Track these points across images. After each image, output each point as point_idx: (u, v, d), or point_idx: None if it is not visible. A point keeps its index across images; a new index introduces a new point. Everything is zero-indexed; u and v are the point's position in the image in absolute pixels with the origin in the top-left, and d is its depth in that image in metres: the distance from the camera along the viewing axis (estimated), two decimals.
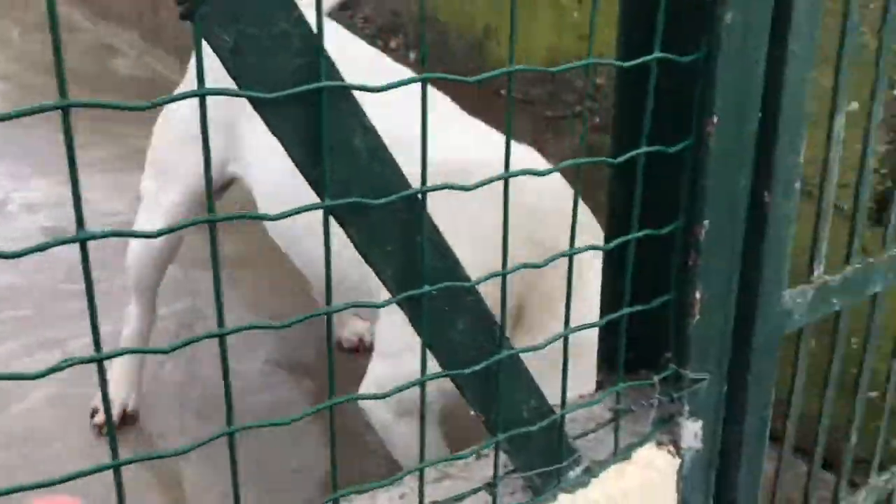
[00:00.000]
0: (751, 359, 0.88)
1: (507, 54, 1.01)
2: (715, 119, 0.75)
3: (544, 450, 0.77)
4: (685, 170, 0.78)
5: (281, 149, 0.54)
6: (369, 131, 0.57)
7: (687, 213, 0.79)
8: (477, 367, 0.66)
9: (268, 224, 1.65)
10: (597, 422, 0.85)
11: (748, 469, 0.94)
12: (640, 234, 0.77)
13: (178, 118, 1.73)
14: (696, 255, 0.80)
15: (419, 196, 0.59)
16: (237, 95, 0.51)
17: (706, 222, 0.79)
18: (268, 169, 1.59)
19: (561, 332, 0.74)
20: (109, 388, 0.49)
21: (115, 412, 1.90)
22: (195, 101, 0.47)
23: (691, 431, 0.87)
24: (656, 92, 0.78)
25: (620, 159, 0.72)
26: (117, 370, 1.93)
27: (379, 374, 1.46)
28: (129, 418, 1.94)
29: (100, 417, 1.92)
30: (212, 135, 0.47)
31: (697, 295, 0.81)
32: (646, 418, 0.86)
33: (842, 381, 1.13)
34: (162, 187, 1.78)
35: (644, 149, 0.73)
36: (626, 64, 0.71)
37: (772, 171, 0.82)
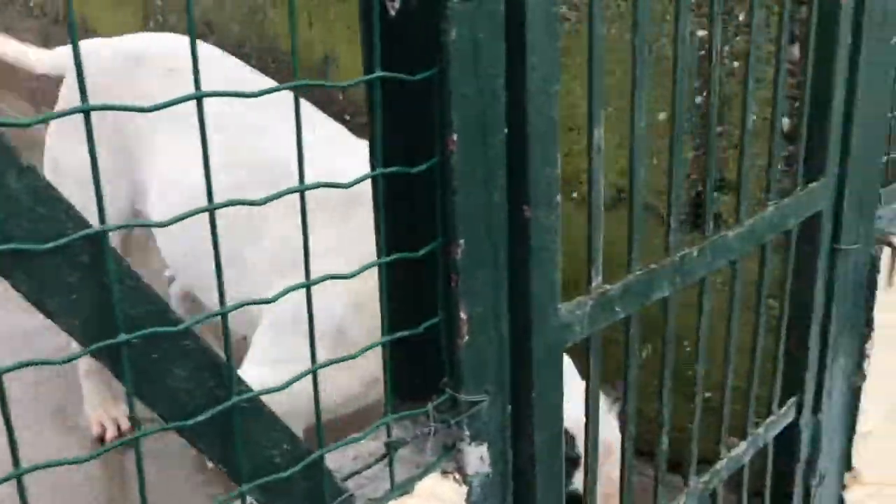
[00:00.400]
0: (532, 375, 0.87)
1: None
2: (455, 136, 0.74)
3: (308, 494, 0.73)
4: (435, 189, 0.76)
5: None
6: (27, 171, 0.52)
7: (443, 232, 0.77)
8: (201, 417, 0.62)
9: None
10: (376, 457, 0.81)
11: (547, 486, 0.92)
12: (390, 258, 0.74)
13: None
14: (456, 275, 0.78)
15: (103, 237, 0.54)
16: None
17: (461, 241, 0.77)
18: (168, 203, 1.58)
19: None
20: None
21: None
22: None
23: (476, 456, 0.84)
24: (402, 112, 0.76)
25: (351, 181, 0.69)
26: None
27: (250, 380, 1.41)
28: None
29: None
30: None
31: (463, 315, 0.79)
32: (427, 448, 0.84)
33: (663, 385, 1.14)
34: None
35: (379, 170, 0.71)
36: (347, 84, 0.68)
37: (527, 184, 0.81)
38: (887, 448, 1.63)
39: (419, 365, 0.84)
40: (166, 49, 1.70)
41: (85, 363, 1.93)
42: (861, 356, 1.53)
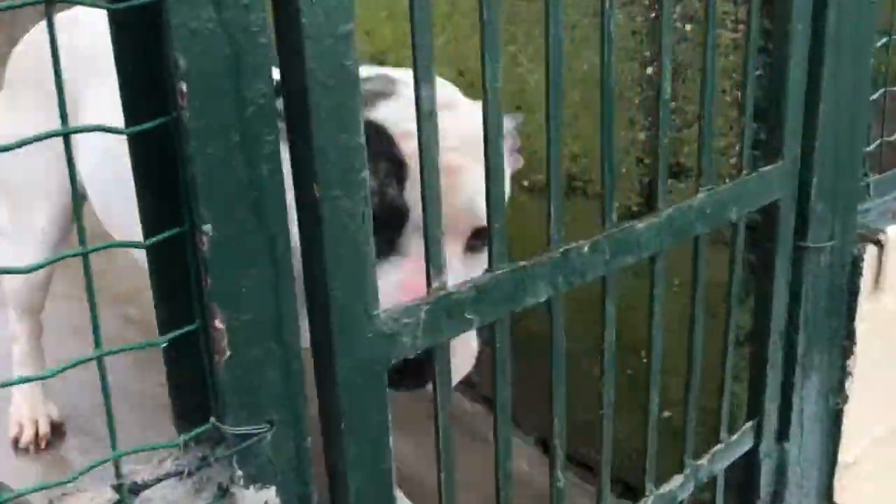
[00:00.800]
0: (339, 401, 0.68)
1: None
2: (184, 86, 0.55)
3: None
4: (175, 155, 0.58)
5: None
6: None
7: (189, 216, 0.59)
8: None
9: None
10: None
11: None
12: (101, 246, 0.56)
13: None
14: (205, 272, 0.60)
15: None
16: None
17: (207, 227, 0.58)
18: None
19: None
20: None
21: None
22: None
23: (257, 502, 0.66)
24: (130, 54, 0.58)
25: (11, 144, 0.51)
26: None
27: None
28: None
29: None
30: None
31: (219, 324, 0.61)
32: (204, 491, 0.66)
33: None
34: (22, 217, 1.69)
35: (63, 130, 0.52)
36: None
37: (313, 155, 0.62)
38: (876, 481, 1.40)
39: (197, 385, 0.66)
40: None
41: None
42: (842, 373, 1.31)
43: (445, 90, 0.99)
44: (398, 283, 0.90)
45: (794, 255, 1.14)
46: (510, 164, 1.12)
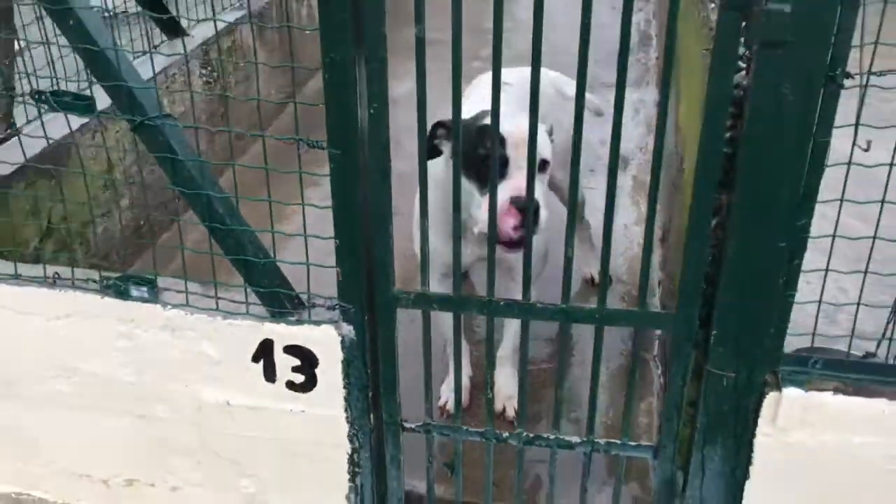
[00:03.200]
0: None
1: None
2: None
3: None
4: None
5: None
6: None
7: None
8: None
9: None
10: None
11: None
12: None
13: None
14: None
15: None
16: None
17: None
18: None
19: None
20: None
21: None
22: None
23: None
24: None
25: None
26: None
27: None
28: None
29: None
30: None
31: None
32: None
33: None
34: None
35: None
36: None
37: None
38: None
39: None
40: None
41: None
42: None
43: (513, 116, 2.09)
44: (512, 188, 2.08)
45: (695, 374, 1.86)
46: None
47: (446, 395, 2.71)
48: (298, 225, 1.89)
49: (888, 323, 1.82)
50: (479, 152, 2.12)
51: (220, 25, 4.09)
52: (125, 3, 3.71)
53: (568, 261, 1.80)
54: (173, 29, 3.73)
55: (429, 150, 1.98)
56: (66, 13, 1.77)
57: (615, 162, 1.71)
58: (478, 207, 2.16)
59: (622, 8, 1.56)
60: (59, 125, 2.27)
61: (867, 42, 1.55)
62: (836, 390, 1.81)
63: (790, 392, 1.80)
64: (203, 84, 3.97)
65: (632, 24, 1.60)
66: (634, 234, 3.58)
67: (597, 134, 4.05)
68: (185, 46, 3.43)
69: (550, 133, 2.39)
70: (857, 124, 1.60)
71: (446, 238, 1.91)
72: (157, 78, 3.35)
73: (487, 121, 1.96)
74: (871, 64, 1.55)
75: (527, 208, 1.86)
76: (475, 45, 1.73)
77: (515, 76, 2.47)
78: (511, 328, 2.68)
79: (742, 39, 1.53)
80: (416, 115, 1.72)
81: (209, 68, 3.97)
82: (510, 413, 2.64)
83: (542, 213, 2.10)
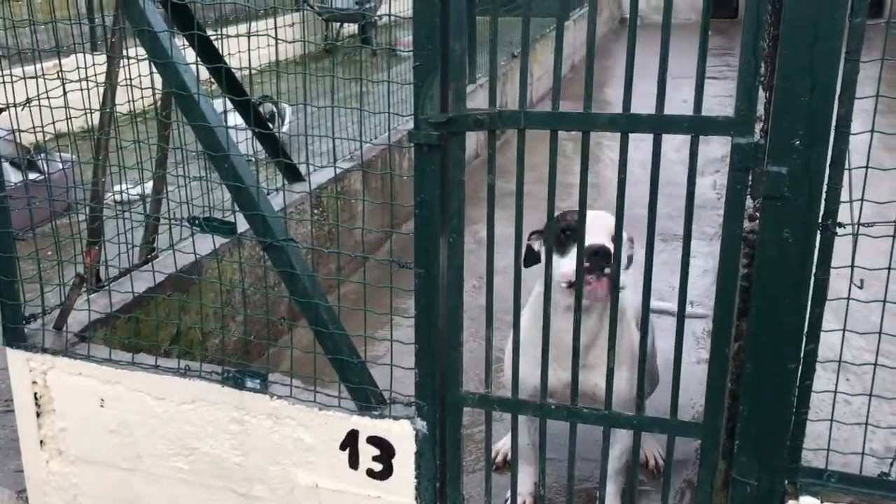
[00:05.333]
0: None
1: None
2: None
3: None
4: None
5: None
6: None
7: None
8: None
9: None
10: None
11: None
12: None
13: None
14: None
15: None
16: None
17: None
18: None
19: None
20: None
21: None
22: None
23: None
24: None
25: None
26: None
27: None
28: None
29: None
30: None
31: None
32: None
33: None
34: None
35: None
36: None
37: None
38: None
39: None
40: None
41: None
42: None
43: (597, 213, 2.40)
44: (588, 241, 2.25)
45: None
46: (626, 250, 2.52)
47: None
48: (381, 334, 2.29)
49: None
50: (561, 226, 2.44)
51: (333, 172, 4.72)
52: (255, 152, 4.39)
53: (610, 371, 2.13)
54: (294, 174, 4.36)
55: (526, 255, 2.47)
56: (223, 159, 2.31)
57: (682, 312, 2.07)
58: (559, 267, 2.43)
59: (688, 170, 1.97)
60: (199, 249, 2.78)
61: (855, 199, 1.90)
62: None
63: (807, 501, 2.03)
64: (314, 224, 4.56)
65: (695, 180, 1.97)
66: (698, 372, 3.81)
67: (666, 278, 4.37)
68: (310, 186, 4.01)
69: (631, 242, 2.67)
70: (852, 266, 1.92)
71: (536, 363, 2.23)
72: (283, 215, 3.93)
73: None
74: (859, 215, 1.89)
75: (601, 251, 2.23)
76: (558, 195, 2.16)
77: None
78: (617, 447, 2.79)
79: (748, 193, 1.90)
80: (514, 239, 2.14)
81: (320, 209, 4.57)
82: None
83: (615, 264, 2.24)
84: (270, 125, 7.39)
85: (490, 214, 2.14)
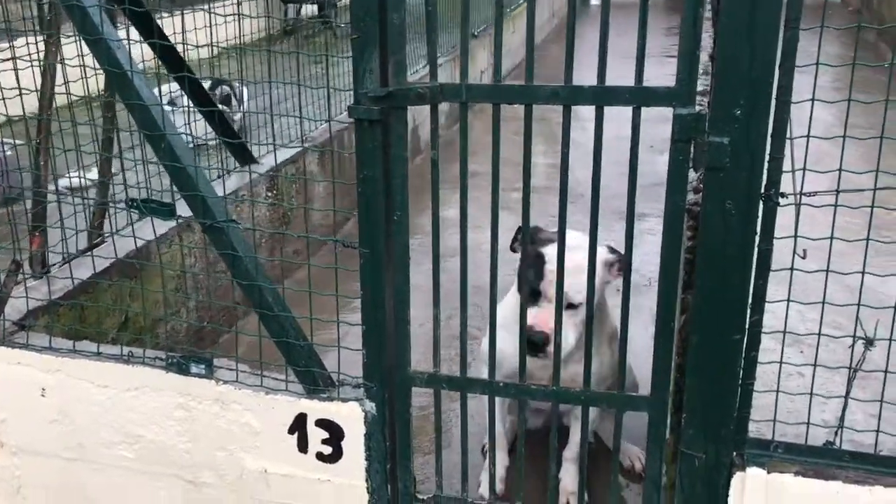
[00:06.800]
0: None
1: None
2: None
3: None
4: None
5: None
6: None
7: None
8: None
9: None
10: None
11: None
12: None
13: None
14: None
15: None
16: None
17: None
18: None
19: None
20: None
21: None
22: None
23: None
24: None
25: None
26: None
27: None
28: None
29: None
30: None
31: None
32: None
33: None
34: None
35: None
36: None
37: None
38: None
39: None
40: None
41: None
42: None
43: (575, 240, 2.33)
44: (533, 318, 2.32)
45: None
46: (604, 276, 2.50)
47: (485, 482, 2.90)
48: (340, 317, 2.25)
49: (842, 413, 2.05)
50: (527, 274, 2.40)
51: (285, 155, 4.64)
52: (206, 134, 4.30)
53: (557, 346, 2.11)
54: (245, 157, 4.28)
55: (512, 247, 2.51)
56: (160, 139, 2.24)
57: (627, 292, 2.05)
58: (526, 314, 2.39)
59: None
60: (144, 234, 2.72)
61: (797, 168, 1.89)
62: (797, 473, 2.03)
63: (754, 472, 2.03)
64: (268, 206, 4.49)
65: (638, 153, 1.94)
66: None
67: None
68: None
69: (614, 265, 2.58)
70: (795, 236, 1.91)
71: (515, 347, 2.22)
72: (227, 197, 3.86)
73: (549, 247, 2.37)
74: (801, 185, 1.88)
75: (539, 341, 2.25)
76: (515, 178, 2.10)
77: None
78: (576, 430, 2.85)
79: (691, 165, 1.88)
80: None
81: (274, 191, 4.49)
82: None
83: (561, 344, 2.24)
84: (227, 107, 7.28)
85: (434, 192, 2.10)
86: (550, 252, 2.35)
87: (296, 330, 2.34)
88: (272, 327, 2.33)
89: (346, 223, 5.04)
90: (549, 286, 2.34)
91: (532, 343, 2.32)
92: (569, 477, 2.88)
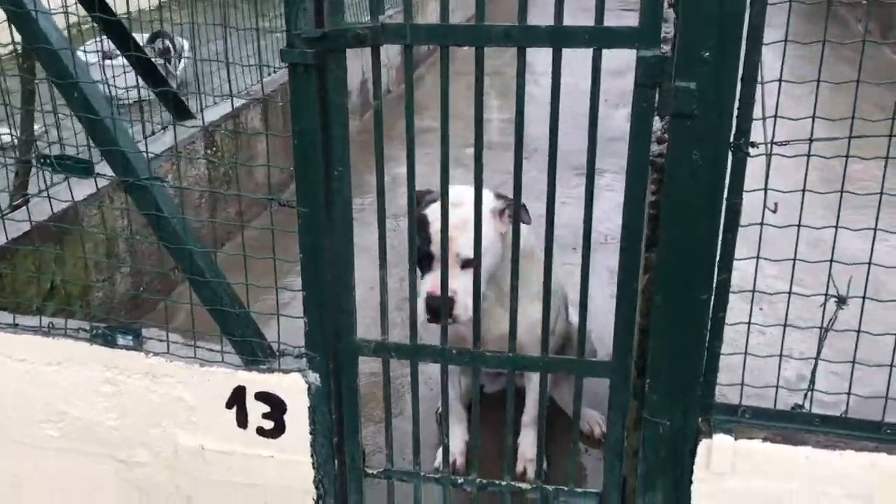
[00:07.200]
0: None
1: None
2: None
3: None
4: None
5: None
6: None
7: None
8: None
9: None
10: None
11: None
12: None
13: None
14: None
15: None
16: None
17: None
18: None
19: None
20: None
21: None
22: None
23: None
24: None
25: None
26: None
27: None
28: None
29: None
30: None
31: None
32: None
33: None
34: None
35: None
36: None
37: None
38: None
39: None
40: None
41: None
42: None
43: (459, 195, 2.16)
44: (429, 285, 2.20)
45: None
46: (496, 226, 2.34)
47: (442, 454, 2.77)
48: (286, 282, 2.07)
49: (812, 374, 1.95)
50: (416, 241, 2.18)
51: (225, 109, 4.39)
52: (138, 89, 4.03)
53: (513, 311, 1.97)
54: (182, 112, 4.03)
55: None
56: (71, 87, 2.02)
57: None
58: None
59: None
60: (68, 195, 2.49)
61: (769, 115, 1.75)
62: (766, 439, 1.93)
63: (721, 439, 1.92)
64: (207, 163, 4.24)
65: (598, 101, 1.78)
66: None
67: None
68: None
69: (504, 211, 2.40)
70: (766, 189, 1.78)
71: None
72: (163, 154, 3.62)
73: (431, 208, 2.24)
74: (773, 135, 1.75)
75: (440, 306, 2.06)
76: (469, 134, 1.93)
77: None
78: (532, 395, 2.76)
79: (656, 112, 1.73)
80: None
81: (213, 148, 4.24)
82: (531, 475, 2.68)
83: (462, 304, 2.23)
84: (166, 61, 6.92)
85: (378, 145, 1.92)
86: (433, 213, 2.21)
87: (231, 297, 2.16)
88: (204, 294, 2.14)
89: (292, 182, 4.82)
90: (437, 248, 2.13)
91: (433, 310, 2.18)
92: (527, 442, 2.78)
